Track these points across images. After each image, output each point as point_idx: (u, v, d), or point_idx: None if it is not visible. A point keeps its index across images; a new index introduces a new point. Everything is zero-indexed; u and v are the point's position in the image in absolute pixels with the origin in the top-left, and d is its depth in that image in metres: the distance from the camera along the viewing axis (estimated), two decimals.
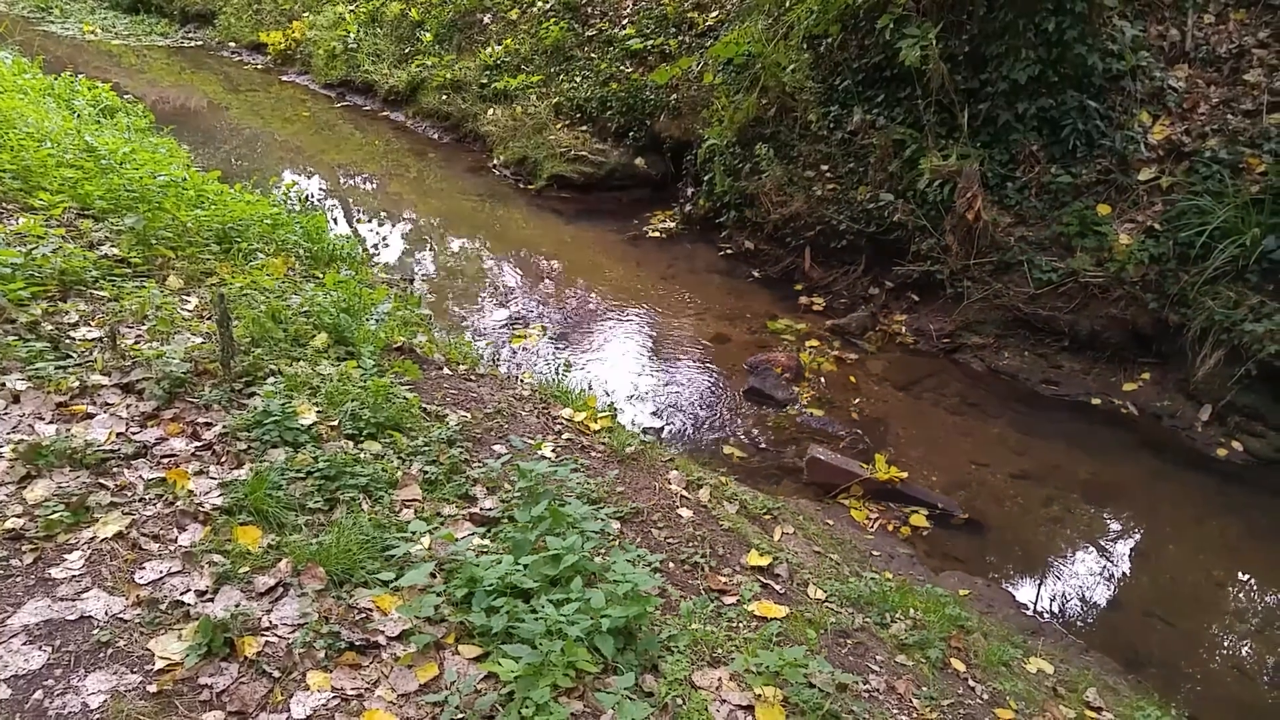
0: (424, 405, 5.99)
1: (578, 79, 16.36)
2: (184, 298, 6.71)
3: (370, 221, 13.89)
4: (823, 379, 9.55)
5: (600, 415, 6.83)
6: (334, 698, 3.44)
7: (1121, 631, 6.52)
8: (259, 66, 23.16)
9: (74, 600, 3.67)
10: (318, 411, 5.36)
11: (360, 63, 20.39)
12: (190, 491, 4.44)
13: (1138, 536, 7.75)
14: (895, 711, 4.25)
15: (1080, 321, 9.54)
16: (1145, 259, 9.10)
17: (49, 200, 7.47)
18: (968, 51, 10.65)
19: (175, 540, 4.11)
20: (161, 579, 3.86)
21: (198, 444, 4.89)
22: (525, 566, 4.10)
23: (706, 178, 13.36)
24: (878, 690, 4.37)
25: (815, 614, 4.90)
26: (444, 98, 18.23)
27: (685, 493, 5.86)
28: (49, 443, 4.44)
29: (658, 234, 13.54)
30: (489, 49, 18.12)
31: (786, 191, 12.01)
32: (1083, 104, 10.02)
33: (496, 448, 5.72)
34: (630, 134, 15.33)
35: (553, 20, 17.51)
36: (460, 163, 16.73)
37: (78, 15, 26.64)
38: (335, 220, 13.07)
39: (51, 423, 4.76)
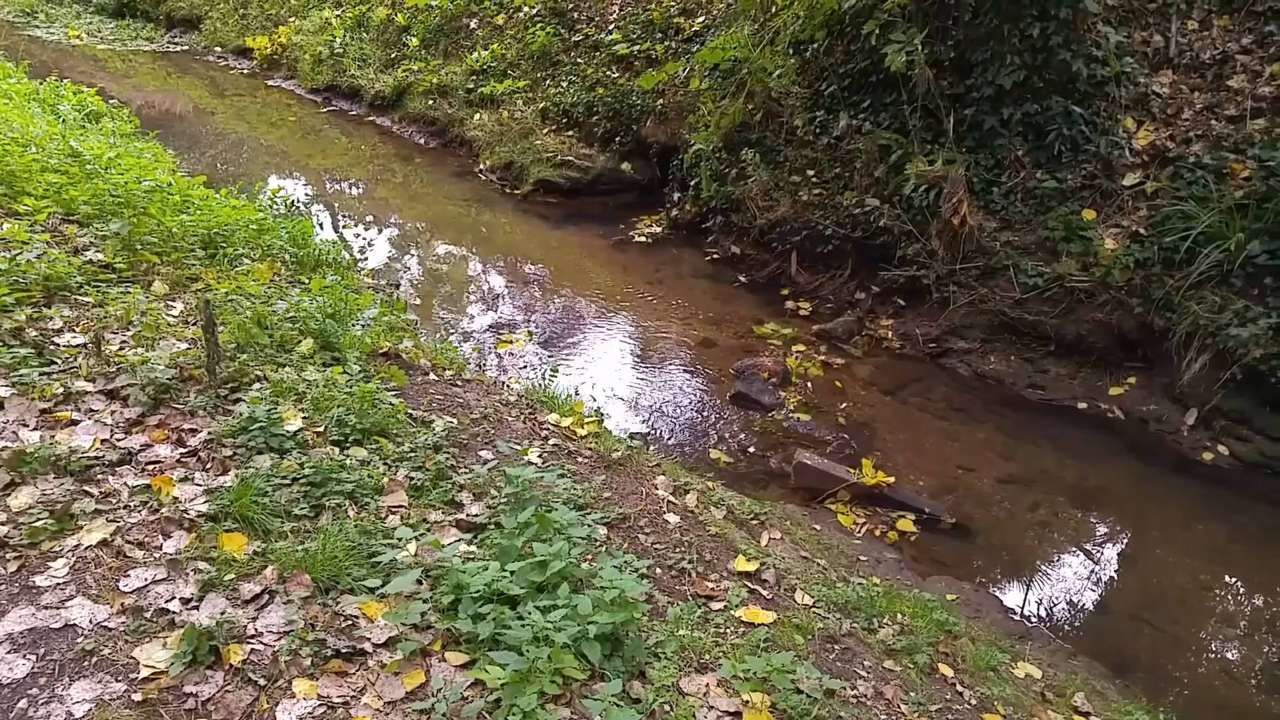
0: (410, 411, 5.97)
1: (564, 84, 16.36)
2: (169, 303, 6.69)
3: (356, 226, 13.88)
4: (809, 384, 9.56)
5: (587, 420, 6.82)
6: (320, 705, 3.43)
7: (1109, 636, 6.53)
8: (245, 71, 23.12)
9: (58, 608, 3.65)
10: (304, 417, 5.35)
11: (346, 67, 20.37)
12: (175, 498, 4.42)
13: (1124, 541, 7.78)
14: (883, 717, 4.25)
15: (1066, 326, 9.56)
16: (1130, 264, 9.13)
17: (33, 205, 7.43)
18: (953, 57, 10.69)
19: (160, 548, 4.09)
20: (146, 586, 3.85)
21: (183, 450, 4.87)
22: (512, 573, 4.09)
23: (693, 182, 13.37)
24: (865, 695, 4.37)
25: (803, 619, 4.89)
26: (430, 102, 18.22)
27: (672, 498, 5.86)
28: (33, 449, 4.41)
29: (644, 239, 13.55)
30: (475, 54, 18.11)
31: (773, 196, 12.03)
32: (1067, 109, 10.05)
33: (483, 453, 5.71)
34: (617, 139, 15.34)
35: (539, 25, 17.51)
36: (446, 167, 16.72)
37: (63, 20, 26.58)
38: (321, 225, 13.05)
39: (35, 429, 4.74)
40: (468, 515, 4.95)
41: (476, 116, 17.13)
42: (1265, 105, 9.42)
